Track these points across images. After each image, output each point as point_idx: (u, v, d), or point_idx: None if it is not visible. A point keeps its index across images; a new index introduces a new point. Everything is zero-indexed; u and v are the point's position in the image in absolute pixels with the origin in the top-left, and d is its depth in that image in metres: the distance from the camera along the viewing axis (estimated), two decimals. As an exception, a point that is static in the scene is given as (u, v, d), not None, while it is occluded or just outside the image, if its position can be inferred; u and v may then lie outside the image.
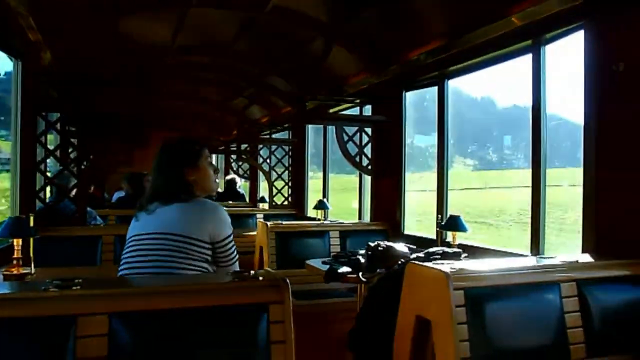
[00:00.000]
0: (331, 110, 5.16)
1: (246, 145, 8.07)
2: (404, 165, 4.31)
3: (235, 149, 8.39)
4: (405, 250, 3.10)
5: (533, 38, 2.92)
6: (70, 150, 4.59)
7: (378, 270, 2.96)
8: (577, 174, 2.69)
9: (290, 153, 7.05)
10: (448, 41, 3.23)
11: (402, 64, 3.78)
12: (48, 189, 4.14)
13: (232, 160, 9.12)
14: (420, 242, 3.68)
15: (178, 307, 1.58)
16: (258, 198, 8.20)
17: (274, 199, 7.02)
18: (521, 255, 2.98)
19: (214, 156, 9.58)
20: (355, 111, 5.12)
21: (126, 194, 6.31)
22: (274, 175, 7.27)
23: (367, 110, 4.91)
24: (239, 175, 8.76)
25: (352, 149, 4.47)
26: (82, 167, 4.13)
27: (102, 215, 4.93)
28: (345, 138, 4.43)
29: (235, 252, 2.28)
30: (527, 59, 3.01)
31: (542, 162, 2.94)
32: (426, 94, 4.24)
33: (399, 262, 2.69)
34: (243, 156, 8.11)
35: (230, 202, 7.54)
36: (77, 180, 4.05)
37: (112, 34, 4.14)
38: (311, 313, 3.75)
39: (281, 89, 5.73)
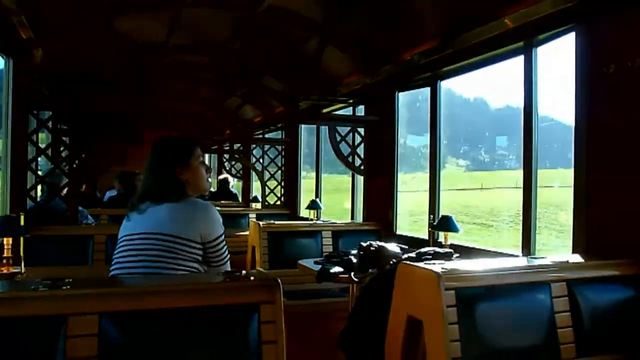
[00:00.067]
0: (324, 110, 5.17)
1: (239, 145, 8.06)
2: (397, 165, 4.32)
3: (228, 148, 8.38)
4: (397, 250, 3.10)
5: (525, 40, 2.94)
6: (61, 148, 4.57)
7: (370, 270, 2.97)
8: (567, 175, 2.71)
9: (283, 153, 7.05)
10: (441, 42, 3.23)
11: (396, 65, 3.79)
12: (39, 187, 4.12)
13: (225, 160, 9.11)
14: (412, 242, 3.69)
15: (168, 307, 1.58)
16: (251, 198, 8.19)
17: (267, 198, 7.02)
18: (512, 255, 3.00)
19: (206, 156, 9.59)
20: (348, 111, 5.13)
21: (118, 193, 6.29)
22: (266, 175, 7.27)
23: (360, 110, 4.91)
24: (231, 175, 8.75)
25: (345, 149, 4.48)
26: (74, 165, 4.11)
27: (93, 215, 4.91)
28: (338, 138, 4.43)
29: (227, 252, 2.28)
30: (519, 61, 3.03)
31: (534, 163, 2.95)
32: (419, 94, 4.25)
33: (391, 262, 2.69)
34: (236, 156, 8.10)
35: (223, 201, 7.53)
36: (68, 179, 4.03)
37: (105, 32, 4.12)
38: (303, 313, 3.75)
39: (275, 89, 5.73)
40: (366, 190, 4.74)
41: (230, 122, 8.11)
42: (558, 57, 3.13)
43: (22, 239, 2.97)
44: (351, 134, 4.52)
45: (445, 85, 3.87)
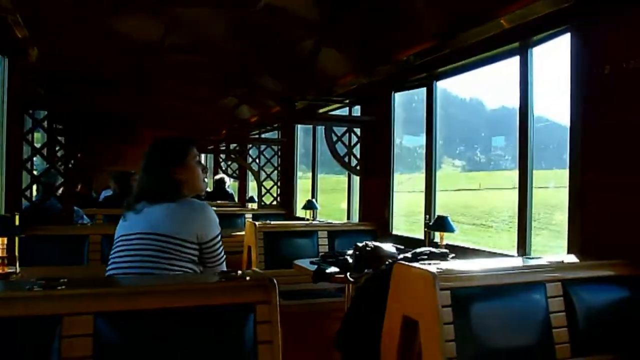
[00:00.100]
0: (320, 111, 5.17)
1: (235, 145, 8.06)
2: (393, 165, 4.32)
3: (224, 148, 8.37)
4: (393, 250, 3.11)
5: (521, 40, 2.95)
6: (57, 148, 4.56)
7: (366, 270, 2.97)
8: (562, 175, 2.72)
9: (279, 153, 7.05)
10: (437, 43, 3.24)
11: (392, 65, 3.80)
12: (34, 187, 4.11)
13: (221, 160, 9.11)
14: (408, 243, 3.70)
15: (164, 307, 1.58)
16: (247, 198, 8.19)
17: (263, 198, 7.02)
18: (508, 255, 3.01)
19: (202, 156, 9.58)
20: (344, 111, 5.13)
21: (113, 193, 6.28)
22: (263, 175, 7.27)
23: (357, 110, 4.92)
24: (228, 175, 8.74)
25: (341, 149, 4.48)
26: (69, 165, 4.10)
27: (89, 214, 4.91)
28: (334, 138, 4.44)
29: (223, 253, 2.27)
30: (515, 61, 3.03)
31: (529, 163, 2.96)
32: (415, 94, 4.26)
33: (387, 262, 2.70)
34: (232, 156, 8.09)
35: (219, 201, 7.52)
36: (63, 178, 4.02)
37: (102, 31, 4.11)
38: (299, 313, 3.76)
39: (271, 88, 5.72)
40: (362, 191, 4.75)
41: (226, 122, 8.10)
42: (553, 58, 3.14)
43: (17, 238, 2.96)
44: (347, 134, 4.52)
45: (441, 85, 3.88)
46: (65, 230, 3.64)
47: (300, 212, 6.22)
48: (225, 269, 2.23)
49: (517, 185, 3.02)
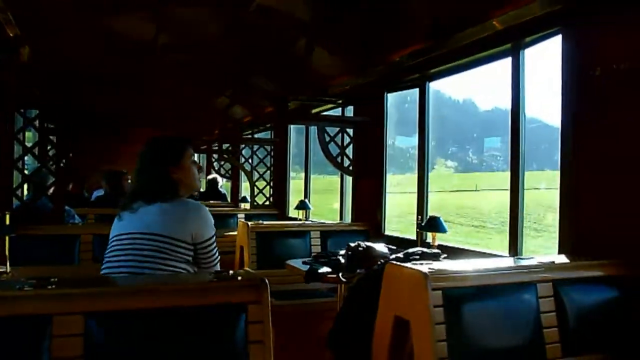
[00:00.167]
0: (313, 111, 5.17)
1: (228, 145, 8.04)
2: (385, 166, 4.33)
3: (217, 148, 8.35)
4: (385, 250, 3.11)
5: (513, 42, 2.96)
6: (49, 147, 4.53)
7: (358, 270, 2.97)
8: (554, 176, 2.73)
9: (272, 153, 7.04)
10: (430, 43, 3.25)
11: (385, 66, 3.80)
12: (25, 186, 4.08)
13: (214, 160, 9.09)
14: (400, 243, 3.70)
15: (155, 306, 1.57)
16: (240, 198, 8.17)
17: (256, 199, 7.00)
18: (499, 256, 3.02)
19: (195, 156, 9.56)
20: (337, 112, 5.13)
21: (105, 193, 6.24)
22: (255, 175, 7.26)
23: (349, 111, 4.92)
24: (220, 175, 8.72)
25: (334, 149, 4.48)
26: (61, 164, 4.07)
27: (81, 214, 4.88)
28: (327, 138, 4.43)
29: (217, 254, 2.28)
30: (507, 63, 3.05)
31: (521, 164, 2.97)
32: (407, 95, 4.27)
33: (379, 263, 2.70)
34: (225, 156, 8.07)
35: (212, 201, 7.50)
36: (55, 178, 4.00)
37: (94, 30, 4.10)
38: (291, 313, 3.75)
39: (264, 88, 5.72)
40: (355, 191, 4.75)
41: (219, 121, 8.10)
42: (545, 59, 3.16)
43: (7, 238, 2.94)
44: (340, 135, 4.52)
45: (434, 86, 3.89)
46: (56, 229, 3.62)
47: (292, 213, 6.21)
48: (219, 270, 2.22)
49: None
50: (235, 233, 4.62)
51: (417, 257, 2.70)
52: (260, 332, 1.66)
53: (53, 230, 3.58)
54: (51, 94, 4.61)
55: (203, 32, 4.47)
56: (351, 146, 4.57)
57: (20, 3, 3.14)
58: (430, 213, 3.73)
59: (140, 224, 2.12)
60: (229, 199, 8.37)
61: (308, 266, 3.20)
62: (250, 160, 7.46)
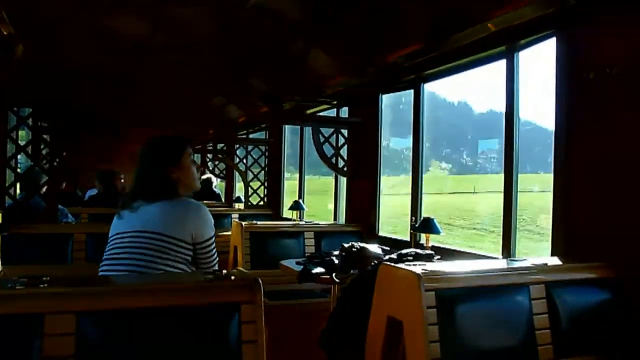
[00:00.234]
0: (308, 112, 5.17)
1: (223, 145, 8.03)
2: (380, 167, 4.33)
3: (211, 148, 8.34)
4: (379, 251, 3.12)
5: (507, 44, 2.97)
6: (42, 146, 4.52)
7: (352, 271, 2.97)
8: (547, 179, 2.74)
9: (266, 153, 7.04)
10: (425, 45, 3.26)
11: (380, 67, 3.81)
12: (18, 185, 4.06)
13: (208, 160, 9.07)
14: (394, 244, 3.71)
15: (147, 306, 1.57)
16: (234, 198, 8.16)
17: (250, 199, 7.00)
18: (492, 257, 3.03)
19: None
20: (332, 113, 5.13)
21: (98, 192, 6.22)
22: (250, 175, 7.25)
23: (344, 112, 4.92)
24: (215, 175, 8.70)
25: (328, 150, 4.48)
26: (54, 163, 4.06)
27: (74, 213, 4.86)
28: (322, 139, 4.43)
29: (216, 254, 2.28)
30: (501, 65, 3.06)
31: (515, 167, 2.98)
32: (402, 97, 4.28)
33: (373, 263, 2.71)
34: (219, 156, 8.06)
35: (206, 201, 7.48)
36: (48, 177, 3.98)
37: (89, 29, 4.08)
38: (285, 313, 3.75)
39: (259, 88, 5.71)
40: (349, 192, 4.76)
41: (214, 121, 8.08)
42: (540, 62, 3.17)
43: (0, 237, 2.93)
44: (335, 136, 4.52)
45: (429, 88, 3.90)
46: (49, 228, 3.61)
47: (287, 213, 6.22)
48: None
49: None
50: (229, 233, 4.62)
51: (411, 258, 2.70)
52: (254, 332, 1.66)
53: (46, 229, 3.57)
54: (45, 93, 4.59)
55: (198, 32, 4.47)
56: (346, 147, 4.57)
57: (15, 1, 3.13)
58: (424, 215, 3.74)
59: (141, 223, 2.13)
60: (223, 199, 8.36)
61: (302, 266, 3.20)
62: (244, 161, 7.45)
